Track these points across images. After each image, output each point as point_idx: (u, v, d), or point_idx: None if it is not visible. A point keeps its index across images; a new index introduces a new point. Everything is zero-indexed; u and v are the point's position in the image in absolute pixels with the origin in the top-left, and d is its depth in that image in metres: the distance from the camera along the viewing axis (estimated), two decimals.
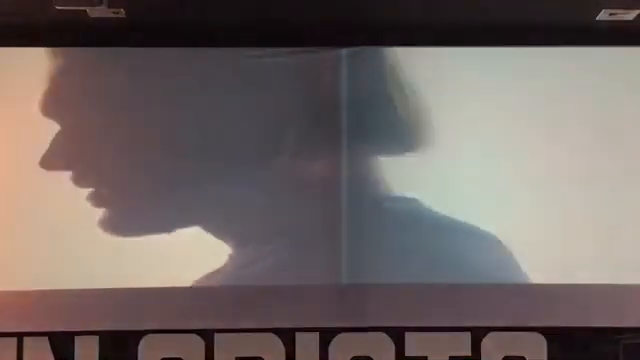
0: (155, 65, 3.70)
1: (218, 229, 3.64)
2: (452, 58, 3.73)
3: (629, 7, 3.49)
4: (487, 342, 3.60)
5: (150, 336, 3.60)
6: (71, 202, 3.63)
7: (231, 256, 3.64)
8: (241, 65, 3.71)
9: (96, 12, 3.44)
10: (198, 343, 3.61)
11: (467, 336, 3.62)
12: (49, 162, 3.62)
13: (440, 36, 3.71)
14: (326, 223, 3.64)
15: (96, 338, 3.58)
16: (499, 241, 3.62)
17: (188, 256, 3.60)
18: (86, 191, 3.62)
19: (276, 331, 3.61)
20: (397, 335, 3.62)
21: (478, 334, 3.62)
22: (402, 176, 3.67)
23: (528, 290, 3.63)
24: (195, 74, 3.72)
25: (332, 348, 3.62)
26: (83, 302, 3.58)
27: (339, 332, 3.62)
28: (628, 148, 3.69)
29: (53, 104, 3.65)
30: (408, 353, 3.62)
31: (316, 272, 3.63)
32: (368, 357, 3.62)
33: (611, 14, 3.54)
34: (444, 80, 3.71)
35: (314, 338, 3.62)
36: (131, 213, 3.66)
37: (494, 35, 3.71)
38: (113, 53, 3.70)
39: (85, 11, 3.43)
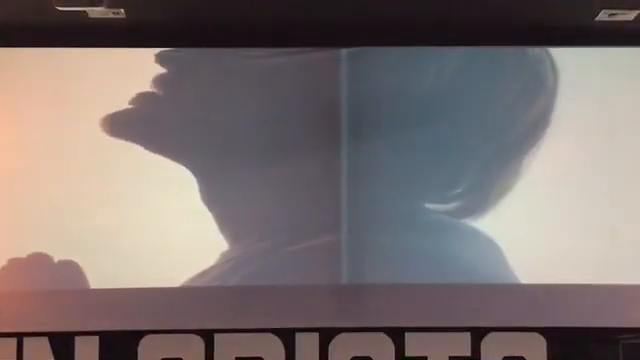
0: (154, 65, 3.70)
1: (217, 229, 3.64)
2: (452, 58, 3.74)
3: (629, 7, 3.49)
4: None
5: (150, 336, 3.61)
6: (71, 202, 3.64)
7: (231, 256, 3.64)
8: (241, 65, 3.72)
9: (96, 13, 3.45)
10: (198, 343, 3.61)
11: (467, 336, 3.62)
12: None
13: (440, 36, 3.71)
14: (326, 223, 3.64)
15: (96, 338, 3.59)
16: (499, 241, 3.62)
17: (187, 256, 3.60)
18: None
19: (276, 331, 3.62)
20: (397, 335, 3.63)
21: (478, 334, 3.63)
22: (402, 176, 3.67)
23: (528, 290, 3.62)
24: (195, 74, 3.72)
25: (332, 348, 3.62)
26: (83, 302, 3.59)
27: (339, 332, 3.63)
28: (628, 148, 3.69)
29: None
30: (408, 353, 3.62)
31: (316, 272, 3.63)
32: (368, 357, 3.62)
33: (611, 14, 3.54)
34: (445, 80, 3.71)
35: (314, 338, 3.62)
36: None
37: (494, 35, 3.71)
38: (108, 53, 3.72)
39: (85, 12, 3.43)
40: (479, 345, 3.62)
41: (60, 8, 3.35)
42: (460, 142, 3.69)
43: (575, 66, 3.71)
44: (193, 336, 3.61)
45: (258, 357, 3.61)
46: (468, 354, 3.62)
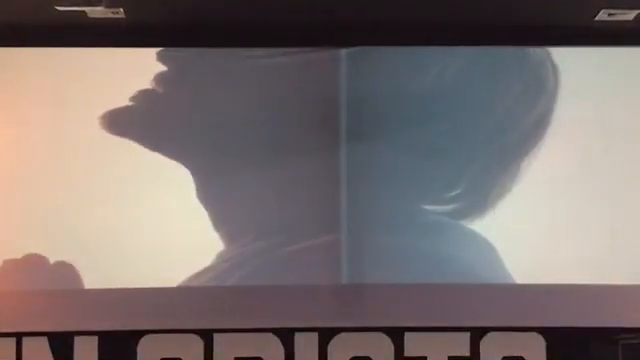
0: (153, 65, 3.70)
1: (217, 229, 3.64)
2: (452, 58, 3.74)
3: (629, 7, 3.49)
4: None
5: (149, 336, 3.61)
6: (72, 203, 3.65)
7: (230, 256, 3.64)
8: (241, 65, 3.72)
9: (95, 13, 3.45)
10: (198, 343, 3.61)
11: (466, 336, 3.62)
12: None
13: (440, 36, 3.71)
14: (326, 223, 3.64)
15: (95, 338, 3.59)
16: (498, 242, 3.62)
17: (187, 256, 3.60)
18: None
19: (276, 331, 3.62)
20: (396, 335, 3.63)
21: (477, 334, 3.63)
22: (401, 176, 3.67)
23: (527, 290, 3.62)
24: (195, 74, 3.72)
25: (331, 348, 3.62)
26: (82, 302, 3.60)
27: (338, 332, 3.63)
28: (628, 148, 3.68)
29: None
30: (408, 353, 3.62)
31: (316, 272, 3.63)
32: (368, 357, 3.62)
33: (610, 14, 3.54)
34: (445, 80, 3.71)
35: (314, 338, 3.62)
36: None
37: (494, 35, 3.71)
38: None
39: (84, 12, 3.43)
40: (478, 345, 3.62)
41: (60, 8, 3.36)
42: (460, 143, 3.70)
43: (576, 67, 3.70)
44: (192, 336, 3.61)
45: (258, 357, 3.61)
46: (467, 354, 3.62)
